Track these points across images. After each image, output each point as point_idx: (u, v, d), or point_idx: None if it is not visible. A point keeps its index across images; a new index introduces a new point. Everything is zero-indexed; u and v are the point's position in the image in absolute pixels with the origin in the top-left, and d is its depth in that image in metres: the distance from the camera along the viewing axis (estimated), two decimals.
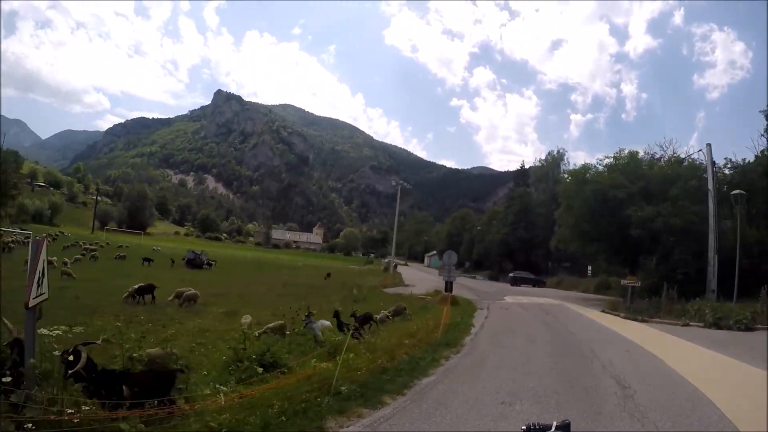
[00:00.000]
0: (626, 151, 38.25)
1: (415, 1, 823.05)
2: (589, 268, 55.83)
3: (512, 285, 54.43)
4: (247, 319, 15.00)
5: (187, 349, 11.48)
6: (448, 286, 27.97)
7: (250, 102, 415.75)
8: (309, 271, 53.93)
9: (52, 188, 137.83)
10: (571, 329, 19.05)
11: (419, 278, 49.57)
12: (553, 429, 2.01)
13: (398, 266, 78.17)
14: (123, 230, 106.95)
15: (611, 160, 38.08)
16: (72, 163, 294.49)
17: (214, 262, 48.41)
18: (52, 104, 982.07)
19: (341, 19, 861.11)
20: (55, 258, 31.78)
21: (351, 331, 13.95)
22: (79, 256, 41.21)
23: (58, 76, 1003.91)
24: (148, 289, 20.55)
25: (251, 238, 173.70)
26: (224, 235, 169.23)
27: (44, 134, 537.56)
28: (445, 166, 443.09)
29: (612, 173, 36.00)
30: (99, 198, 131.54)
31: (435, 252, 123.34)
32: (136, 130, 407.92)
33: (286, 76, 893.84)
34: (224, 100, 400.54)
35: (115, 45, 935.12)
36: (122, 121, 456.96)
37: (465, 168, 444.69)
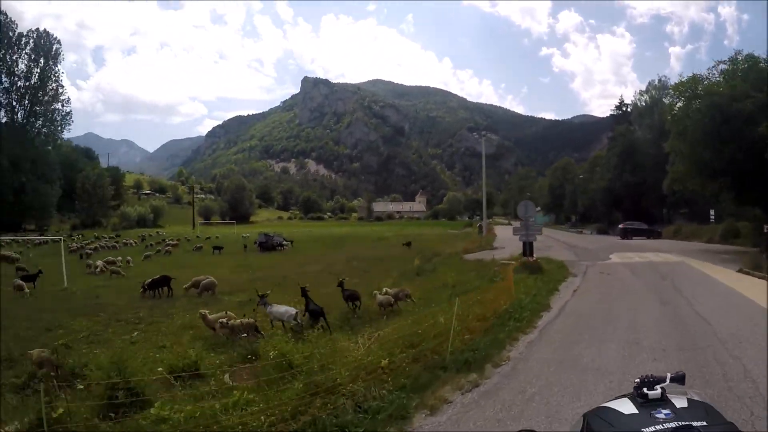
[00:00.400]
0: (743, 54, 29.71)
1: None
2: (712, 212, 47.14)
3: (622, 238, 46.87)
4: (218, 315, 11.95)
5: (141, 358, 9.28)
6: (528, 249, 22.67)
7: (338, 83, 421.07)
8: (396, 241, 49.43)
9: (157, 194, 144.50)
10: (702, 311, 12.09)
11: (515, 238, 44.39)
12: (667, 381, 1.87)
13: (497, 226, 73.84)
14: (223, 222, 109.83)
15: (726, 65, 29.71)
16: (181, 168, 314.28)
17: (288, 243, 46.84)
18: (153, 120, 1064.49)
19: None
20: (119, 257, 33.13)
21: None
22: (150, 253, 41.03)
23: (153, 94, 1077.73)
24: (163, 281, 19.53)
25: (355, 214, 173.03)
26: (328, 214, 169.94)
27: (151, 148, 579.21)
28: (544, 119, 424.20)
29: (731, 81, 28.02)
30: (203, 195, 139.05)
31: (538, 208, 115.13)
32: (234, 128, 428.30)
33: (369, 52, 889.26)
34: (312, 85, 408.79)
35: (199, 55, 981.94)
36: (220, 122, 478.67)
37: (565, 118, 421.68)
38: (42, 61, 78.44)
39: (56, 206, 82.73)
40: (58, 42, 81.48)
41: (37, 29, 79.94)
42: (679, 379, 1.88)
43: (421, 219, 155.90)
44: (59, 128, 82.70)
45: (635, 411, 1.72)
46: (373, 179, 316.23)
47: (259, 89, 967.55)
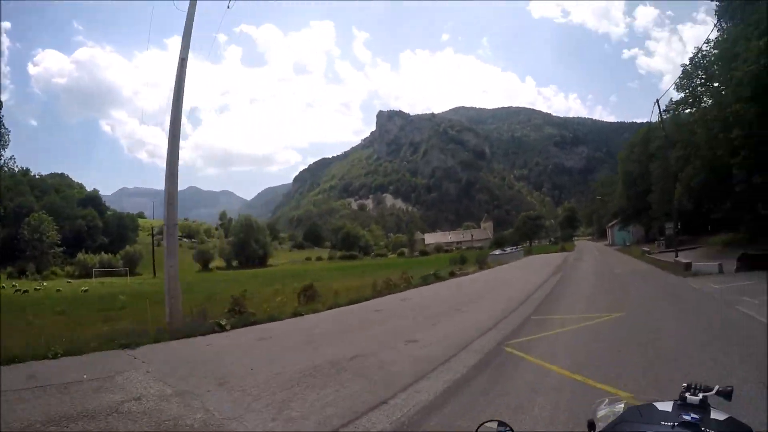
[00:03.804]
0: None
1: None
2: None
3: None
4: None
5: None
6: None
7: (415, 114, 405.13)
8: None
9: (185, 239, 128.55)
10: None
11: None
12: (714, 391, 1.85)
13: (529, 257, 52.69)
14: (222, 268, 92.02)
15: None
16: (273, 214, 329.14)
17: None
18: (251, 171, 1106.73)
19: (484, 9, 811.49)
20: None
21: None
22: None
23: (249, 147, 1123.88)
24: None
25: (405, 249, 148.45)
26: (382, 251, 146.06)
27: (249, 196, 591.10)
28: (636, 123, 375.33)
29: None
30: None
31: (615, 220, 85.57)
32: (319, 171, 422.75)
33: (450, 82, 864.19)
34: (387, 118, 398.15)
35: (287, 106, 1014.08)
36: (306, 167, 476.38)
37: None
38: None
39: None
40: None
41: None
42: (726, 393, 1.82)
43: (483, 248, 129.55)
44: None
45: (669, 410, 1.72)
46: (453, 208, 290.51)
47: (348, 132, 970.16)
